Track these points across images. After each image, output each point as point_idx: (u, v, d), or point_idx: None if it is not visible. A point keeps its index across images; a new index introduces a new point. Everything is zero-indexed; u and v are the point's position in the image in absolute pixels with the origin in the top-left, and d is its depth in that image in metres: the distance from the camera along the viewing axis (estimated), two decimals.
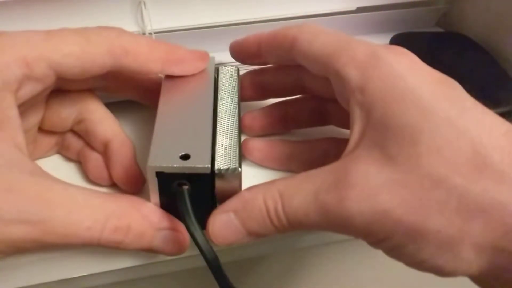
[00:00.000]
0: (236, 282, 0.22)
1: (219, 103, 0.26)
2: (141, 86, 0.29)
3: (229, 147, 0.23)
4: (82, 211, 0.20)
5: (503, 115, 0.31)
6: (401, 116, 0.19)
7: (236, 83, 0.28)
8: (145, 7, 0.35)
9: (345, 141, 0.27)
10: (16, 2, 0.32)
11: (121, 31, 0.24)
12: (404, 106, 0.19)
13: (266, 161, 0.29)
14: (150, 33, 0.35)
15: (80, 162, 0.28)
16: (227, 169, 0.22)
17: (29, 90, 0.22)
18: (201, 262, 0.21)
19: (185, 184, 0.22)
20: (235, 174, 0.22)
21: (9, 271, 0.24)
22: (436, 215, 0.18)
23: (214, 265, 0.22)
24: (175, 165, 0.21)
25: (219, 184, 0.22)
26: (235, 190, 0.23)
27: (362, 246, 0.21)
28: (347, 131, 0.29)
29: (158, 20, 0.36)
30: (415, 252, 0.19)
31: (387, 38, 0.40)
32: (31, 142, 0.26)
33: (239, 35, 0.29)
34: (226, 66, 0.29)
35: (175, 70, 0.26)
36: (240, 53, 0.28)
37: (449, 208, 0.18)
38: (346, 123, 0.28)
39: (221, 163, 0.22)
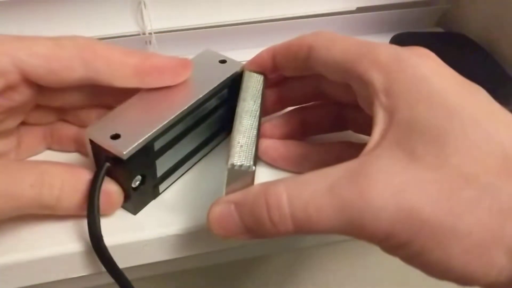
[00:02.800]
0: (236, 282, 0.22)
1: (241, 103, 0.25)
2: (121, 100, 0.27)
3: (246, 146, 0.23)
4: (22, 171, 0.22)
5: None
6: (427, 117, 0.19)
7: (261, 89, 0.27)
8: (145, 7, 0.35)
9: (359, 145, 0.27)
10: (16, 2, 0.33)
11: (94, 39, 0.24)
12: (430, 108, 0.19)
13: (280, 160, 0.28)
14: (150, 33, 0.35)
15: (80, 151, 0.28)
16: (240, 166, 0.21)
17: None
18: (201, 262, 0.21)
19: (109, 162, 0.23)
20: (248, 172, 0.21)
21: (9, 271, 0.24)
22: (468, 215, 0.17)
23: (95, 242, 0.23)
24: (101, 140, 0.22)
25: (231, 180, 0.22)
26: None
27: (362, 247, 0.21)
28: (362, 136, 0.29)
29: (158, 20, 0.36)
30: (443, 257, 0.18)
31: (387, 38, 0.40)
32: (15, 139, 0.26)
33: (239, 35, 0.29)
34: (252, 71, 0.28)
35: (152, 80, 0.25)
36: (256, 69, 0.28)
37: (481, 208, 0.17)
38: (363, 128, 0.28)
39: (235, 159, 0.22)
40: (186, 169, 0.28)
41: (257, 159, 0.22)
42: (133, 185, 0.24)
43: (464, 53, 0.38)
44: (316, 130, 0.30)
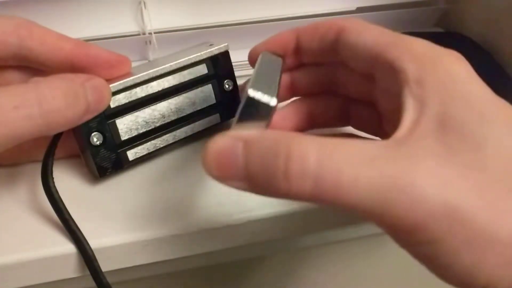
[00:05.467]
0: (236, 282, 0.22)
1: (250, 82, 0.23)
2: None
3: (269, 77, 0.20)
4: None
5: None
6: (462, 117, 0.18)
7: (279, 72, 0.25)
8: (145, 7, 0.35)
9: (362, 139, 0.27)
10: (16, 2, 0.32)
11: (32, 21, 0.25)
12: (466, 109, 0.18)
13: None
14: (150, 33, 0.35)
15: None
16: (262, 96, 0.19)
17: None
18: (200, 263, 0.21)
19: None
20: (269, 107, 0.19)
21: (9, 271, 0.24)
22: (509, 226, 0.16)
23: (54, 201, 0.24)
24: None
25: (245, 114, 0.19)
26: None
27: (361, 246, 0.21)
28: (360, 133, 0.29)
29: (158, 20, 0.36)
30: (471, 264, 0.17)
31: None
32: None
33: (239, 35, 0.29)
34: (270, 53, 0.26)
35: (84, 68, 0.25)
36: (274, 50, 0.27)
37: None
38: (366, 125, 0.28)
39: (256, 87, 0.19)
40: (165, 143, 0.29)
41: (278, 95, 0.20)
42: (92, 142, 0.25)
43: (464, 53, 0.37)
44: (322, 122, 0.30)
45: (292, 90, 0.29)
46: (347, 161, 0.17)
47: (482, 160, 0.17)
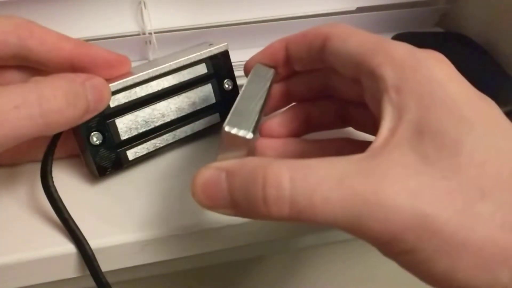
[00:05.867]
0: (236, 282, 0.22)
1: (242, 89, 0.24)
2: None
3: (247, 111, 0.21)
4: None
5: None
6: (440, 122, 0.18)
7: (269, 82, 0.25)
8: (145, 7, 0.35)
9: (359, 142, 0.27)
10: (16, 2, 0.32)
11: (32, 20, 0.24)
12: (444, 114, 0.19)
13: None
14: (150, 33, 0.35)
15: None
16: (237, 130, 0.20)
17: None
18: (199, 263, 0.21)
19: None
20: (245, 140, 0.20)
21: (8, 271, 0.24)
22: (480, 230, 0.17)
23: (47, 188, 0.24)
24: None
25: (225, 147, 0.20)
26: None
27: (361, 247, 0.21)
28: (362, 134, 0.29)
29: (158, 20, 0.36)
30: (447, 269, 0.17)
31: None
32: None
33: (239, 35, 0.29)
34: (263, 65, 0.27)
35: (84, 68, 0.25)
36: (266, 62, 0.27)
37: (494, 224, 0.17)
38: (365, 126, 0.28)
39: (232, 122, 0.20)
40: (165, 142, 0.29)
41: (258, 129, 0.21)
42: (92, 142, 0.25)
43: (464, 53, 0.38)
44: (320, 126, 0.30)
45: (287, 98, 0.29)
46: (318, 182, 0.17)
47: (456, 165, 0.18)
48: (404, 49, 0.21)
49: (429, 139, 0.18)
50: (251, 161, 0.19)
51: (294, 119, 0.29)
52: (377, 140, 0.19)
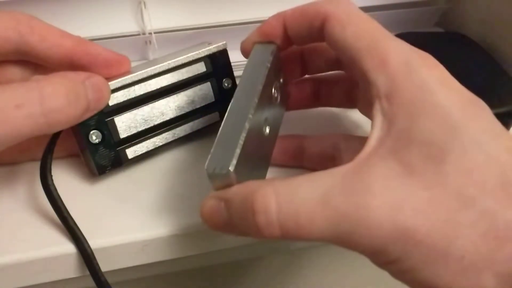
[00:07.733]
0: (236, 282, 0.22)
1: (240, 81, 0.24)
2: None
3: (228, 143, 0.21)
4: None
5: (503, 115, 0.31)
6: (428, 132, 0.18)
7: (270, 59, 0.25)
8: (145, 7, 0.35)
9: (354, 137, 0.27)
10: (16, 2, 0.33)
11: (33, 16, 0.25)
12: (432, 123, 0.19)
13: (277, 156, 0.28)
14: (150, 33, 0.35)
15: None
16: (215, 169, 0.20)
17: None
18: (198, 263, 0.21)
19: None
20: (226, 176, 0.20)
21: (9, 271, 0.24)
22: (462, 239, 0.17)
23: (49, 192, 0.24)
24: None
25: (214, 184, 0.21)
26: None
27: None
28: (357, 130, 0.29)
29: (158, 20, 0.36)
30: (431, 277, 0.18)
31: None
32: None
33: (239, 35, 0.29)
34: (261, 43, 0.26)
35: (84, 65, 0.25)
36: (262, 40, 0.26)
37: (476, 233, 0.17)
38: (368, 109, 0.27)
39: (210, 162, 0.20)
40: (164, 141, 0.29)
41: (243, 157, 0.20)
42: (91, 140, 0.25)
43: (464, 53, 0.38)
44: (327, 103, 0.30)
45: (301, 69, 0.29)
46: (302, 203, 0.18)
47: (441, 174, 0.18)
48: (398, 52, 0.21)
49: (416, 149, 0.18)
50: (244, 187, 0.20)
51: (304, 90, 0.29)
52: (365, 149, 0.20)
